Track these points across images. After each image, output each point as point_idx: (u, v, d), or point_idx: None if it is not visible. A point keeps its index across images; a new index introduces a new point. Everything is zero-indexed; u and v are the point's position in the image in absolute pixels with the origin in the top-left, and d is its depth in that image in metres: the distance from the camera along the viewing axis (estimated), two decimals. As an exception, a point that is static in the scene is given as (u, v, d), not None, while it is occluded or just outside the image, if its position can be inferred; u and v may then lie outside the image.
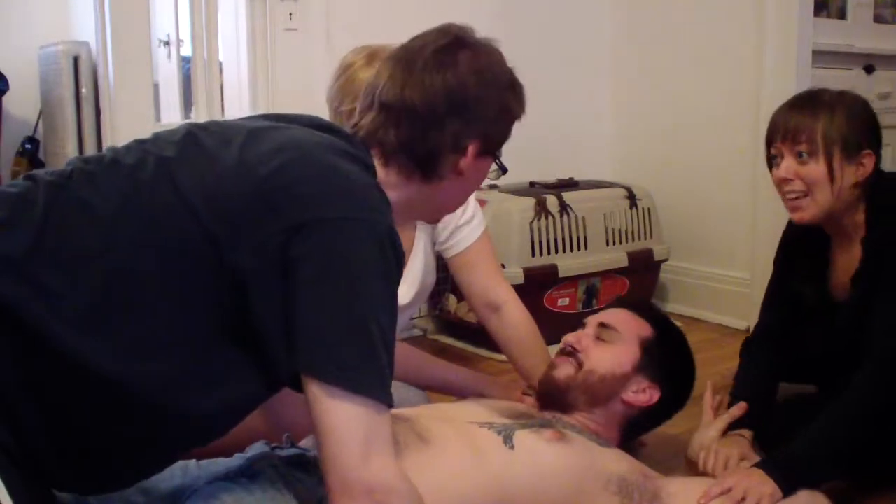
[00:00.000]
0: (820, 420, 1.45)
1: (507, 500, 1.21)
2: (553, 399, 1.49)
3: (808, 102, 1.58)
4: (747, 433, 1.64)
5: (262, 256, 0.93)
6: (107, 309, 0.93)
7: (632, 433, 1.56)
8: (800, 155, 1.54)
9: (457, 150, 1.12)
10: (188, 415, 0.98)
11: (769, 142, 1.61)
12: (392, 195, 1.08)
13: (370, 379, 0.93)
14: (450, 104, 1.09)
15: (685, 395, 1.60)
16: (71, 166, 1.03)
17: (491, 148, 1.17)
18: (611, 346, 1.50)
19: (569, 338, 1.54)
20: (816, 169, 1.53)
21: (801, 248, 1.72)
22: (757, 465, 1.42)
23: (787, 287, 1.76)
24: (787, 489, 1.36)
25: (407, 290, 1.72)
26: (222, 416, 1.02)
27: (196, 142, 1.03)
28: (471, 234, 1.73)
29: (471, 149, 1.12)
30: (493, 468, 1.22)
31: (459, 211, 1.67)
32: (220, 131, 1.05)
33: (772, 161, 1.61)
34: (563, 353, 1.53)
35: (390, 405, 0.95)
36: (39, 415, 0.91)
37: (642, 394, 1.48)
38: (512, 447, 1.25)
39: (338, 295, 0.92)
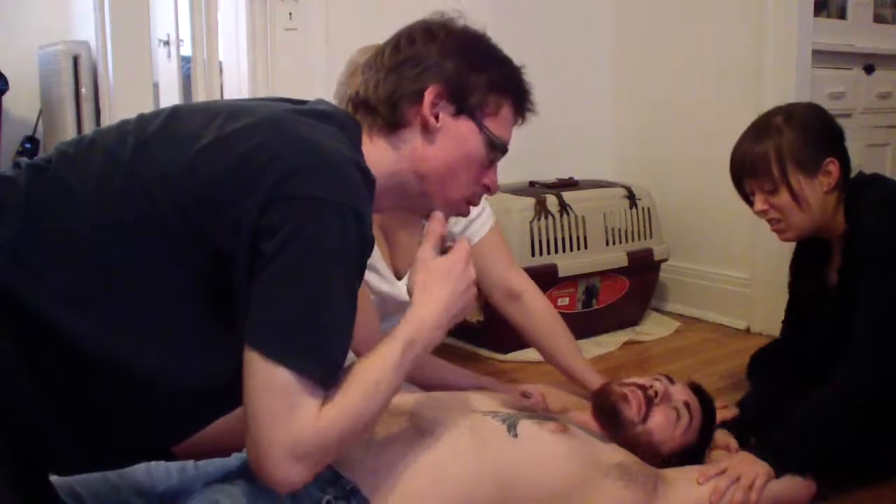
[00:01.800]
0: (807, 407, 1.50)
1: (509, 487, 1.20)
2: (606, 419, 1.49)
3: (759, 133, 1.63)
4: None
5: (237, 233, 0.94)
6: (89, 287, 0.94)
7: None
8: (766, 190, 1.61)
9: (414, 97, 1.11)
10: (178, 389, 0.99)
11: (737, 181, 1.68)
12: (375, 170, 1.07)
13: (306, 355, 0.94)
14: (404, 56, 1.12)
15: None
16: (54, 150, 1.04)
17: (464, 106, 1.12)
18: (673, 428, 1.49)
19: (658, 385, 1.52)
20: (783, 199, 1.60)
21: (807, 255, 1.77)
22: (747, 449, 1.49)
23: (794, 295, 1.81)
24: (779, 470, 1.43)
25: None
26: (214, 390, 1.02)
27: (178, 121, 1.04)
28: (483, 226, 1.77)
29: (429, 93, 1.10)
30: (496, 455, 1.22)
31: None
32: (204, 110, 1.06)
33: (747, 197, 1.68)
34: (642, 390, 1.50)
35: (324, 383, 0.96)
36: (37, 393, 0.93)
37: (653, 460, 1.47)
38: (515, 435, 1.26)
39: (292, 272, 0.93)
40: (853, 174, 1.66)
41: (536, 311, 1.78)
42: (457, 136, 1.13)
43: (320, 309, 0.94)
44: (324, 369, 0.95)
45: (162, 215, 0.95)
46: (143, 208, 0.96)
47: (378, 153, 1.12)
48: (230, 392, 1.00)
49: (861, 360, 1.49)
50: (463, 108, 1.12)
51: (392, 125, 1.12)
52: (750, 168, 1.62)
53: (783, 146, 1.58)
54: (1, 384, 0.91)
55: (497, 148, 1.16)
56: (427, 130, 1.12)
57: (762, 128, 1.63)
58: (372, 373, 1.01)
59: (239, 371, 0.97)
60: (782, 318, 1.88)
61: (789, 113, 1.63)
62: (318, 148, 0.99)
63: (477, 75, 1.12)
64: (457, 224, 1.73)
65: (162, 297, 0.96)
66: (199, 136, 1.00)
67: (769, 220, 1.66)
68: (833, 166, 1.59)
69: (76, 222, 0.96)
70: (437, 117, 1.11)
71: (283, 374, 0.92)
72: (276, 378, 0.92)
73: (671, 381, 1.55)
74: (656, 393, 1.49)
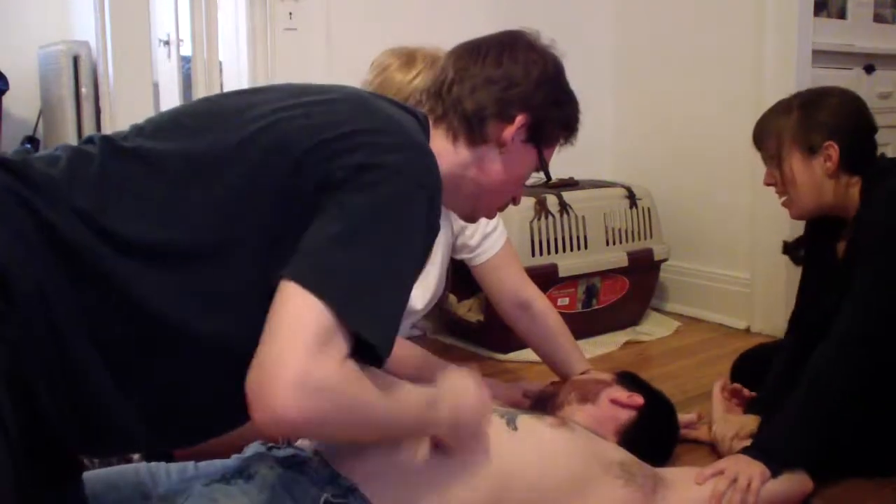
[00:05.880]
0: (793, 400, 1.50)
1: (509, 481, 1.20)
2: (546, 400, 1.60)
3: (776, 108, 1.69)
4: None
5: (325, 190, 0.94)
6: (166, 247, 0.93)
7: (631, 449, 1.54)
8: (770, 163, 1.68)
9: (503, 117, 1.17)
10: (242, 354, 0.90)
11: (757, 149, 1.73)
12: (441, 165, 1.08)
13: (356, 306, 0.88)
14: (503, 74, 1.18)
15: (669, 423, 1.67)
16: (129, 127, 1.05)
17: (536, 136, 1.20)
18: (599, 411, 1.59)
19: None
20: (778, 174, 1.66)
21: (817, 235, 1.78)
22: (742, 451, 1.50)
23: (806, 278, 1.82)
24: (775, 470, 1.44)
25: (421, 296, 1.76)
26: None
27: (257, 92, 1.08)
28: (498, 240, 1.84)
29: (518, 120, 1.17)
30: (495, 448, 1.22)
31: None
32: (277, 89, 1.09)
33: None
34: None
35: (369, 340, 0.88)
36: (102, 361, 0.90)
37: (627, 397, 1.57)
38: (515, 429, 1.27)
39: (372, 237, 0.92)
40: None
41: (546, 320, 1.83)
42: (519, 160, 1.22)
43: (392, 276, 0.94)
44: (367, 327, 0.88)
45: (260, 172, 0.95)
46: (235, 170, 0.96)
47: (451, 153, 1.17)
48: None
49: (841, 354, 1.49)
50: (534, 137, 1.21)
51: (475, 134, 1.18)
52: (756, 139, 1.70)
53: (785, 124, 1.63)
54: (61, 350, 0.88)
55: (543, 173, 1.26)
56: (501, 150, 1.19)
57: (781, 104, 1.69)
58: (394, 388, 0.97)
59: None
60: (782, 317, 1.89)
61: (817, 94, 1.68)
62: (408, 131, 1.04)
63: (557, 111, 1.22)
64: (472, 238, 1.77)
65: (240, 261, 0.94)
66: (282, 106, 1.01)
67: (776, 193, 1.70)
68: (833, 150, 1.59)
69: (153, 183, 0.95)
70: (511, 139, 1.18)
71: (323, 310, 0.85)
72: (313, 308, 0.85)
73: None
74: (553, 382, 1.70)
